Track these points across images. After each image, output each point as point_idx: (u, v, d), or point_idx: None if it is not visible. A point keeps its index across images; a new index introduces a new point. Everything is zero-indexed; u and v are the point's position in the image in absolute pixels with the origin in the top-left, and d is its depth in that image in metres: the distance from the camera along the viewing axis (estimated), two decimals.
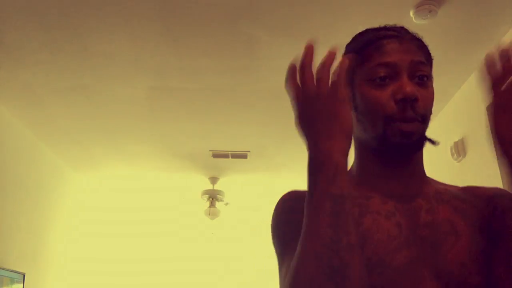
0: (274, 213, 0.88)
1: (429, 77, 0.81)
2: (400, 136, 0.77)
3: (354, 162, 0.89)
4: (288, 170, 4.59)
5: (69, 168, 4.56)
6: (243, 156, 4.23)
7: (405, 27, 0.86)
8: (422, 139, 0.81)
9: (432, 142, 0.85)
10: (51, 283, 4.12)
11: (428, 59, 0.83)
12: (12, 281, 3.36)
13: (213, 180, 4.87)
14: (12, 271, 3.35)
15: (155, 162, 4.42)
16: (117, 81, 3.00)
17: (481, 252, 0.77)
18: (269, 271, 5.90)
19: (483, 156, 2.73)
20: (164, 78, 2.96)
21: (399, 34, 0.82)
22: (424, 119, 0.79)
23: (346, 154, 0.71)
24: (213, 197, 4.90)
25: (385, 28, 0.85)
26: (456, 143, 3.01)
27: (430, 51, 0.85)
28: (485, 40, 2.54)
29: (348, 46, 0.90)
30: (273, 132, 3.74)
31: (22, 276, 3.51)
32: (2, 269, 3.21)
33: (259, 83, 3.02)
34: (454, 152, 3.02)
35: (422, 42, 0.84)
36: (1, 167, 3.34)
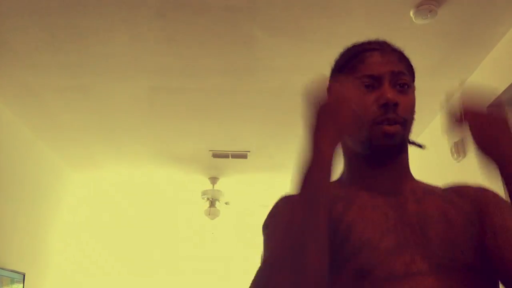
0: (266, 217, 0.92)
1: (409, 85, 0.88)
2: (383, 137, 0.84)
3: (343, 169, 0.95)
4: (288, 170, 4.59)
5: (69, 167, 4.56)
6: (243, 156, 4.23)
7: (387, 41, 0.94)
8: (404, 141, 0.88)
9: (419, 146, 0.92)
10: (51, 283, 4.11)
11: (409, 70, 0.91)
12: (12, 281, 3.36)
13: (213, 180, 4.87)
14: (12, 271, 3.35)
15: (154, 162, 4.42)
16: (117, 81, 3.00)
17: (474, 239, 0.80)
18: None
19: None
20: (164, 78, 2.96)
21: (381, 47, 0.90)
22: (405, 123, 0.86)
23: (332, 149, 0.76)
24: (213, 197, 4.90)
25: (368, 43, 0.93)
26: (456, 143, 3.01)
27: (412, 63, 0.93)
28: (485, 40, 2.54)
29: (336, 61, 0.97)
30: (273, 132, 3.74)
31: (22, 276, 3.51)
32: (2, 269, 3.21)
33: (259, 83, 3.02)
34: (454, 152, 3.02)
35: (403, 55, 0.92)
36: (1, 167, 3.34)
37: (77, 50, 2.65)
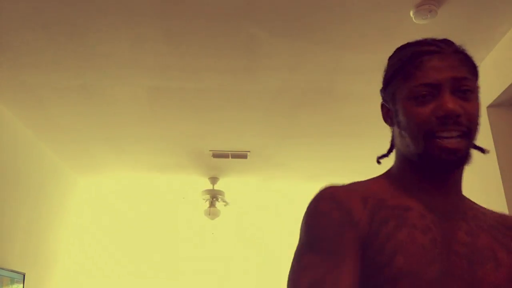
0: (315, 206, 0.81)
1: (473, 91, 0.80)
2: (443, 151, 0.77)
3: (394, 165, 0.89)
4: (288, 170, 4.59)
5: (68, 167, 4.56)
6: (243, 156, 4.23)
7: (449, 39, 0.85)
8: (467, 155, 0.80)
9: (482, 150, 0.86)
10: (51, 283, 4.12)
11: (472, 72, 0.82)
12: (12, 281, 3.36)
13: (213, 180, 4.87)
14: (12, 271, 3.35)
15: (155, 161, 4.42)
16: (117, 81, 3.00)
17: None
18: (269, 271, 5.90)
19: (483, 156, 2.73)
20: (164, 78, 2.96)
21: (441, 49, 0.82)
22: (469, 134, 0.79)
23: None
24: (213, 197, 4.90)
25: (427, 43, 0.84)
26: None
27: (475, 63, 0.84)
28: (485, 40, 2.54)
29: (390, 59, 0.90)
30: (273, 132, 3.74)
31: (22, 276, 3.51)
32: (2, 269, 3.21)
33: (259, 83, 3.02)
34: None
35: (466, 55, 0.83)
36: (1, 167, 3.34)
37: (77, 50, 2.65)
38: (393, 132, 0.90)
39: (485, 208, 0.88)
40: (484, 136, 2.72)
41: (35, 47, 2.62)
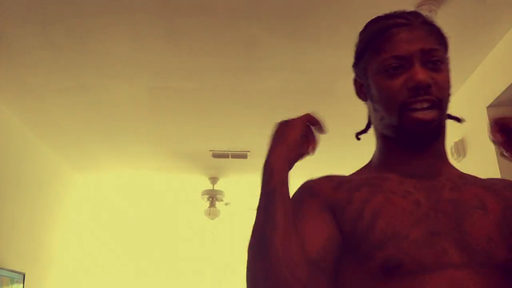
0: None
1: (442, 61, 0.81)
2: (417, 124, 0.78)
3: (375, 151, 0.91)
4: None
5: (68, 167, 4.56)
6: (243, 156, 4.23)
7: (416, 12, 0.86)
8: (441, 124, 0.81)
9: (458, 120, 0.86)
10: (51, 283, 4.11)
11: (441, 42, 0.83)
12: (12, 281, 3.36)
13: (213, 180, 4.87)
14: (12, 271, 3.35)
15: (155, 162, 4.42)
16: (117, 81, 3.00)
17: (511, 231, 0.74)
18: None
19: (483, 156, 2.73)
20: (164, 78, 2.96)
21: (409, 21, 0.82)
22: (441, 104, 0.79)
23: (284, 158, 0.80)
24: (213, 197, 4.90)
25: (395, 15, 0.84)
26: (456, 143, 3.01)
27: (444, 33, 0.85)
28: (485, 40, 2.54)
29: (361, 34, 0.91)
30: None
31: (22, 276, 3.51)
32: (2, 269, 3.21)
33: (259, 83, 3.02)
34: (454, 152, 3.02)
35: (434, 26, 0.84)
36: (1, 167, 3.34)
37: (77, 50, 2.65)
38: (368, 107, 0.91)
39: (478, 177, 0.87)
40: (484, 136, 2.72)
41: (35, 47, 2.62)
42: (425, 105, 0.77)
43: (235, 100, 3.25)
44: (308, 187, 0.86)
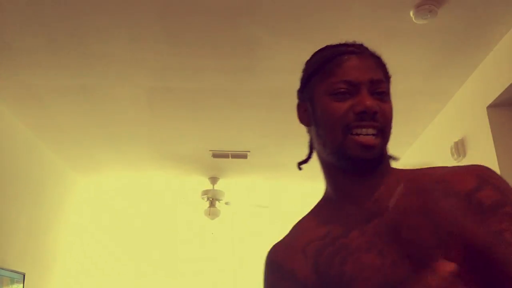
0: (264, 276, 0.88)
1: (387, 93, 0.84)
2: (360, 149, 0.78)
3: (325, 184, 0.90)
4: (288, 170, 4.59)
5: (68, 167, 4.56)
6: (243, 156, 4.23)
7: (364, 44, 0.88)
8: (381, 154, 0.81)
9: (393, 158, 0.86)
10: (51, 283, 4.12)
11: (386, 77, 0.86)
12: (12, 281, 3.36)
13: (213, 180, 4.87)
14: (12, 271, 3.35)
15: (155, 162, 4.42)
16: (117, 81, 3.00)
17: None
18: None
19: (483, 156, 2.73)
20: (164, 78, 2.96)
21: (359, 50, 0.85)
22: (384, 133, 0.81)
23: None
24: (213, 197, 4.90)
25: (345, 45, 0.87)
26: (456, 143, 3.01)
27: (388, 68, 0.88)
28: (485, 40, 2.54)
29: (308, 62, 0.93)
30: (273, 132, 3.74)
31: (22, 276, 3.51)
32: (2, 269, 3.21)
33: (259, 83, 3.02)
34: (454, 152, 3.02)
35: (381, 60, 0.87)
36: (2, 168, 3.34)
37: (77, 50, 2.65)
38: (310, 134, 0.92)
39: (427, 174, 0.82)
40: (484, 136, 2.72)
41: (35, 47, 2.62)
42: (370, 131, 0.78)
43: (235, 100, 3.25)
44: (289, 271, 0.83)
